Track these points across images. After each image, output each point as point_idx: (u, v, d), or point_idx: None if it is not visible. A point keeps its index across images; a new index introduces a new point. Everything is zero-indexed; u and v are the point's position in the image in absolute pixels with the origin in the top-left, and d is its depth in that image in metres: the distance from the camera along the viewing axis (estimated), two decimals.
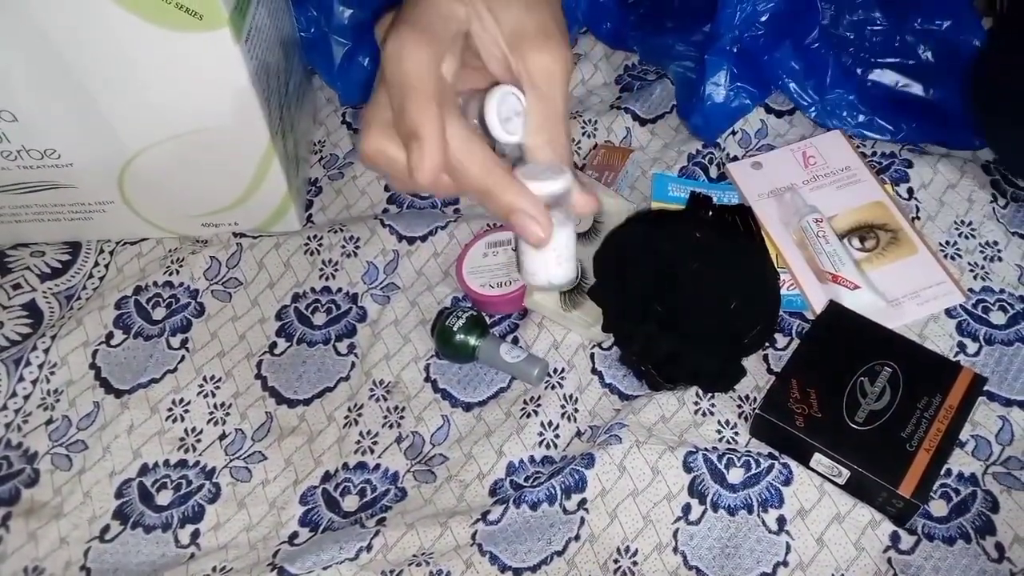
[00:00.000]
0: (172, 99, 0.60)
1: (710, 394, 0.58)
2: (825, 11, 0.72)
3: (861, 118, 0.72)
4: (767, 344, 0.61)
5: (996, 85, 0.65)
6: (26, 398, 0.63)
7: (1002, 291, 0.63)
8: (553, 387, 0.60)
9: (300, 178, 0.73)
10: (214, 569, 0.54)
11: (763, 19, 0.70)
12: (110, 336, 0.65)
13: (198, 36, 0.56)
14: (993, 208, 0.67)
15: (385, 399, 0.61)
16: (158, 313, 0.67)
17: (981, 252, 0.65)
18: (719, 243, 0.63)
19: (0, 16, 0.54)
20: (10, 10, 0.53)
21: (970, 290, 0.63)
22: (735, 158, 0.72)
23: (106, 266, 0.70)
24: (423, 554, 0.52)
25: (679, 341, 0.58)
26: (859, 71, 0.72)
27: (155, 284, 0.68)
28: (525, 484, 0.56)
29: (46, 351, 0.65)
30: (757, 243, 0.64)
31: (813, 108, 0.72)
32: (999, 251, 0.65)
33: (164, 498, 0.58)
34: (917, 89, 0.72)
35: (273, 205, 0.69)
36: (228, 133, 0.63)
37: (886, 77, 0.72)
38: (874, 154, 0.71)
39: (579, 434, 0.59)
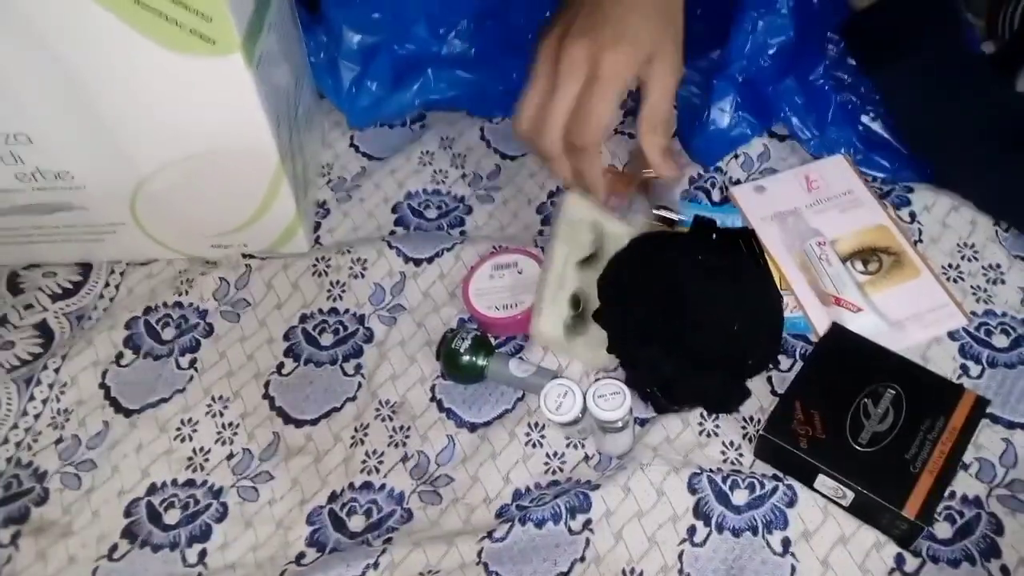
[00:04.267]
0: (184, 121, 0.61)
1: (714, 416, 0.59)
2: (831, 51, 0.74)
3: (859, 156, 0.73)
4: (771, 366, 0.61)
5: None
6: (36, 417, 0.63)
7: (1004, 314, 0.63)
8: None
9: (308, 200, 0.74)
10: None
11: (771, 51, 0.71)
12: (120, 356, 0.66)
13: (211, 60, 0.57)
14: (996, 231, 0.68)
15: (391, 419, 0.61)
16: (167, 333, 0.67)
17: (984, 275, 0.65)
18: (723, 265, 0.63)
19: (15, 40, 0.55)
20: (25, 34, 0.54)
21: (973, 313, 0.63)
22: (737, 181, 0.73)
23: (116, 287, 0.71)
24: (429, 572, 0.52)
25: (683, 363, 0.58)
26: (858, 113, 0.73)
27: (165, 305, 0.69)
28: (531, 508, 0.56)
29: (56, 371, 0.65)
30: (761, 265, 0.65)
31: (812, 142, 0.73)
32: (1002, 274, 0.65)
33: (172, 517, 0.58)
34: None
35: (282, 227, 0.70)
36: (238, 155, 0.64)
37: (877, 125, 0.72)
38: (874, 179, 0.72)
39: (587, 459, 0.59)
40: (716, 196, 0.73)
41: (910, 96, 0.69)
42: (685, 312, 0.59)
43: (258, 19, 0.61)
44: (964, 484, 0.55)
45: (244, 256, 0.71)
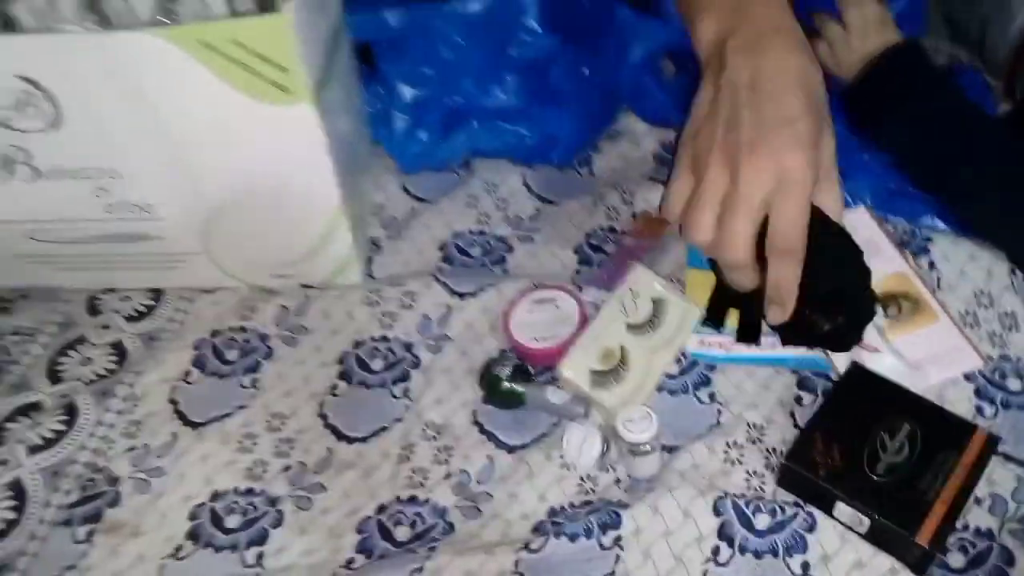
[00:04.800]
0: (256, 161, 0.68)
1: (739, 444, 0.63)
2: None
3: (880, 205, 0.77)
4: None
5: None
6: (111, 427, 0.69)
7: (1019, 359, 0.66)
8: None
9: (363, 237, 0.80)
10: None
11: None
12: (188, 374, 0.72)
13: (284, 108, 0.64)
14: (1011, 280, 0.71)
15: (435, 439, 0.66)
16: (231, 355, 0.73)
17: (999, 322, 0.69)
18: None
19: (117, 85, 0.62)
20: (125, 81, 0.62)
21: (988, 357, 0.67)
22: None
23: (185, 311, 0.77)
24: None
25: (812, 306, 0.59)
26: (876, 166, 0.77)
27: (229, 329, 0.74)
28: (564, 524, 0.60)
29: (130, 385, 0.71)
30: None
31: None
32: (1017, 321, 0.69)
33: (233, 522, 0.63)
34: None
35: (338, 261, 0.76)
36: (303, 194, 0.71)
37: (895, 177, 0.77)
38: (896, 230, 0.76)
39: (617, 482, 0.63)
40: None
41: (911, 145, 0.74)
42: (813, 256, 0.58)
43: (326, 72, 0.68)
44: (977, 517, 0.58)
45: (303, 286, 0.77)
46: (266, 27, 0.59)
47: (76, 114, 0.63)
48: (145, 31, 0.59)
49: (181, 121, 0.64)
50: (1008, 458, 0.60)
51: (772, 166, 0.52)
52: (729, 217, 0.53)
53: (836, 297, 0.59)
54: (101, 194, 0.70)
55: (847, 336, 0.60)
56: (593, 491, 0.62)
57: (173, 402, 0.70)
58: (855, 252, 0.61)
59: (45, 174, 0.68)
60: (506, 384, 0.66)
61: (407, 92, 0.85)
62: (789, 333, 0.60)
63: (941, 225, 0.76)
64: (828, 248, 0.59)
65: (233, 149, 0.67)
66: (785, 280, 0.55)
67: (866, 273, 0.61)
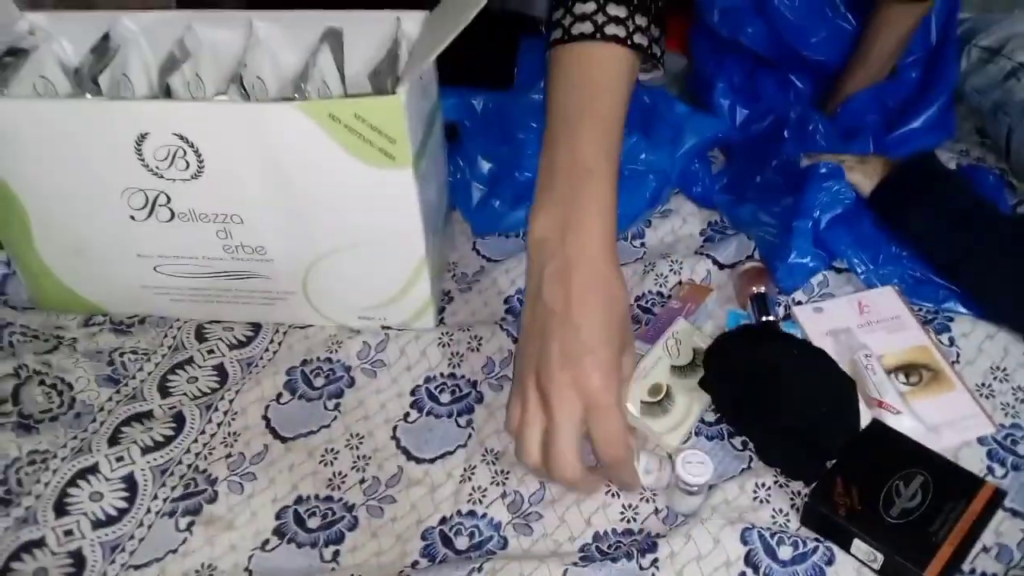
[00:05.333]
0: (359, 216, 0.79)
1: (767, 485, 0.69)
2: None
3: (907, 288, 0.85)
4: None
5: None
6: (212, 436, 0.79)
7: None
8: None
9: (438, 288, 0.90)
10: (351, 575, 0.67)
11: (831, 211, 0.87)
12: (280, 396, 0.82)
13: (388, 172, 0.75)
14: None
15: (494, 463, 0.74)
16: (318, 382, 0.83)
17: (1013, 395, 0.75)
18: (812, 362, 0.74)
19: (249, 143, 0.74)
20: (259, 139, 0.74)
21: (1001, 425, 0.73)
22: (799, 303, 0.86)
23: (280, 343, 0.88)
24: None
25: (773, 433, 0.70)
26: (904, 256, 0.86)
27: (318, 359, 0.85)
28: (608, 551, 0.67)
29: (230, 402, 0.81)
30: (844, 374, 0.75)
31: (866, 275, 0.86)
32: None
33: (313, 523, 0.71)
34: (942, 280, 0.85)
35: (417, 307, 0.86)
36: (394, 247, 0.81)
37: (921, 267, 0.86)
38: (921, 309, 0.84)
39: (656, 512, 0.70)
40: (780, 313, 0.86)
41: (930, 238, 0.82)
42: (780, 389, 0.70)
43: (423, 145, 0.80)
44: (985, 563, 0.63)
45: (383, 327, 0.87)
46: (383, 105, 0.71)
47: (215, 167, 0.76)
48: (284, 103, 0.72)
49: (303, 178, 0.76)
50: (1015, 513, 0.66)
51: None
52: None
53: (795, 429, 0.68)
54: (223, 236, 0.82)
55: (805, 469, 0.69)
56: (634, 519, 0.70)
57: (266, 419, 0.80)
58: (836, 395, 0.71)
59: (179, 216, 0.80)
60: None
61: (485, 166, 0.97)
62: (761, 453, 0.71)
63: (963, 310, 0.83)
64: (795, 387, 0.71)
65: (342, 205, 0.78)
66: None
67: (844, 414, 0.71)
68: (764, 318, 0.81)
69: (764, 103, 1.02)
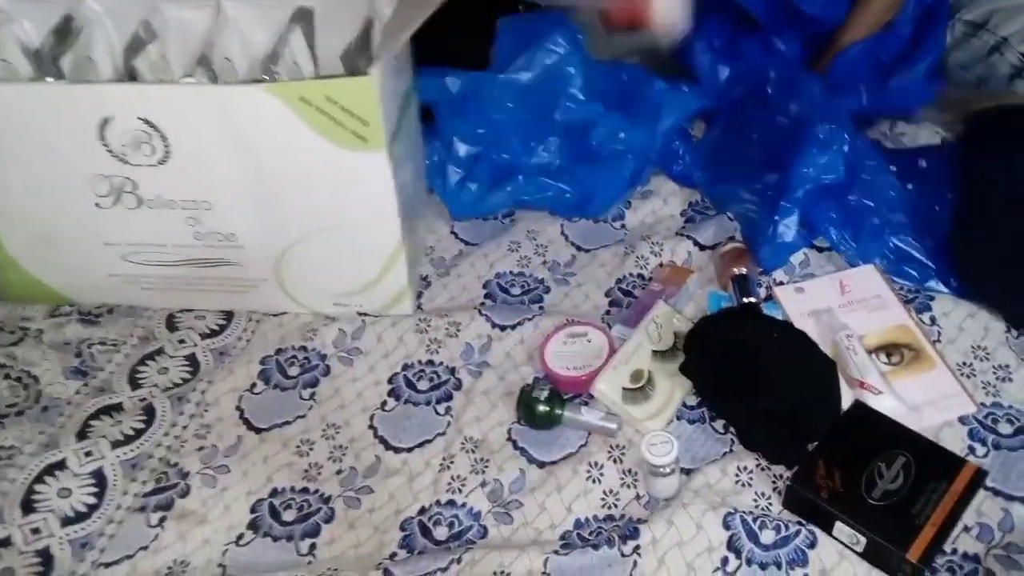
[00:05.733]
0: (332, 201, 0.77)
1: (749, 469, 0.69)
2: (866, 180, 0.87)
3: (889, 265, 0.84)
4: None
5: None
6: (184, 428, 0.77)
7: (1011, 407, 0.72)
8: (616, 460, 0.72)
9: (415, 273, 0.89)
10: (328, 569, 0.65)
11: (822, 184, 0.85)
12: (253, 386, 0.80)
13: (362, 155, 0.73)
14: (1007, 337, 0.78)
15: (473, 452, 0.73)
16: (293, 370, 0.81)
17: (994, 373, 0.75)
18: (793, 344, 0.74)
19: (218, 126, 0.72)
20: (228, 122, 0.71)
21: (982, 404, 0.73)
22: (780, 283, 0.85)
23: (253, 332, 0.86)
24: (502, 572, 0.63)
25: (755, 415, 0.69)
26: (887, 231, 0.85)
27: (293, 348, 0.83)
28: (590, 537, 0.66)
29: (202, 393, 0.80)
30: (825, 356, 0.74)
31: (849, 252, 0.86)
32: (1010, 373, 0.75)
33: (289, 516, 0.70)
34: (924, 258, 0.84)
35: (393, 292, 0.85)
36: (369, 231, 0.80)
37: (906, 245, 0.85)
38: (902, 288, 0.83)
39: (638, 498, 0.69)
40: (761, 293, 0.85)
41: None
42: (760, 372, 0.70)
43: (398, 127, 0.78)
44: (965, 543, 0.63)
45: (360, 314, 0.85)
46: (355, 87, 0.69)
47: (183, 153, 0.74)
48: (253, 85, 0.70)
49: (274, 162, 0.74)
50: (996, 492, 0.66)
51: None
52: None
53: (776, 412, 0.68)
54: (192, 223, 0.79)
55: (783, 451, 0.68)
56: (615, 506, 0.69)
57: (239, 409, 0.78)
58: (817, 377, 0.70)
59: (147, 203, 0.78)
60: (543, 406, 0.73)
61: (462, 148, 0.95)
62: (742, 436, 0.70)
63: (944, 289, 0.83)
64: (776, 370, 0.70)
65: (314, 189, 0.76)
66: None
67: (826, 397, 0.69)
68: (745, 299, 0.80)
69: (744, 62, 1.00)
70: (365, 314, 0.85)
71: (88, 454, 0.74)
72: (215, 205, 0.78)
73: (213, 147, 0.73)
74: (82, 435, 0.76)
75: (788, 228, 0.85)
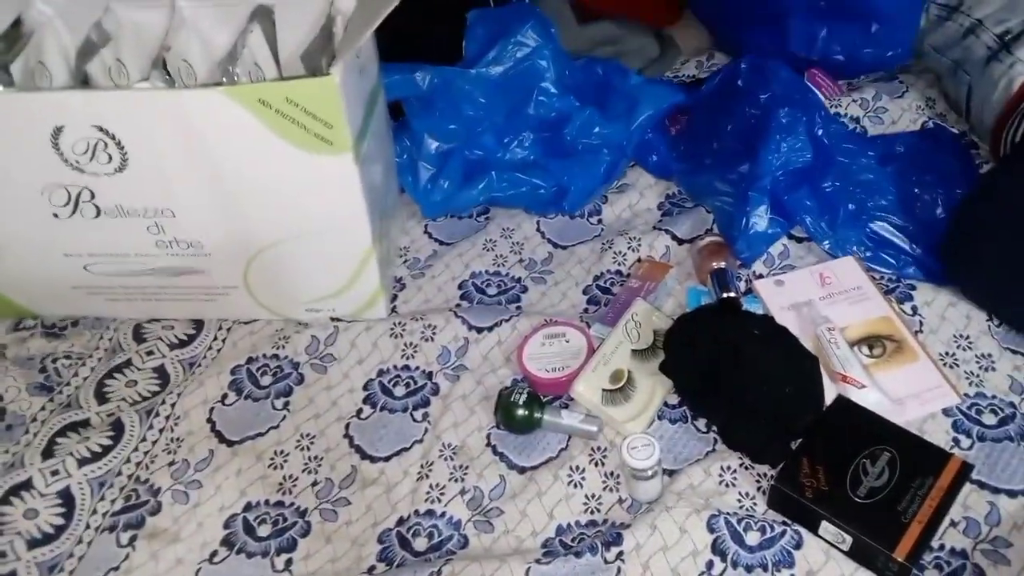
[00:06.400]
0: (299, 205, 0.75)
1: (732, 469, 0.68)
2: (841, 165, 0.86)
3: (868, 253, 0.83)
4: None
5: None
6: (153, 443, 0.75)
7: (994, 396, 0.71)
8: (597, 464, 0.70)
9: (389, 275, 0.87)
10: None
11: (790, 169, 0.84)
12: (225, 397, 0.78)
13: (327, 158, 0.71)
14: (988, 326, 0.77)
15: (452, 458, 0.71)
16: (265, 380, 0.79)
17: (977, 363, 0.74)
18: (774, 340, 0.72)
19: (178, 134, 0.69)
20: (187, 131, 0.69)
21: (965, 395, 0.72)
22: (760, 276, 0.84)
23: (223, 340, 0.84)
24: None
25: (736, 414, 0.68)
26: (864, 217, 0.84)
27: (264, 356, 0.81)
28: (572, 544, 0.65)
29: (172, 406, 0.77)
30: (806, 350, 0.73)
31: (827, 241, 0.84)
32: (993, 363, 0.74)
33: (264, 531, 0.68)
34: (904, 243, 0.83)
35: (366, 296, 0.82)
36: (339, 235, 0.77)
37: (884, 231, 0.84)
38: (882, 278, 0.82)
39: (620, 501, 0.68)
40: (741, 287, 0.83)
41: None
42: (741, 370, 0.68)
43: (364, 127, 0.76)
44: (952, 538, 0.62)
45: (332, 319, 0.83)
46: (316, 88, 0.67)
47: (141, 160, 0.71)
48: (209, 89, 0.67)
49: (235, 168, 0.71)
50: (982, 485, 0.65)
51: None
52: None
53: (758, 410, 0.67)
54: (155, 231, 0.77)
55: (767, 449, 0.67)
56: (598, 510, 0.67)
57: (211, 422, 0.76)
58: (799, 372, 0.69)
59: (106, 212, 0.75)
60: (522, 410, 0.71)
61: (432, 145, 0.93)
62: (725, 436, 0.69)
63: (923, 277, 0.82)
64: (757, 367, 0.69)
65: (279, 194, 0.74)
66: None
67: (808, 393, 0.68)
68: (725, 294, 0.79)
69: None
70: (338, 319, 0.83)
71: (55, 473, 0.72)
72: (178, 213, 0.75)
73: (172, 154, 0.70)
74: (48, 453, 0.74)
75: (760, 218, 0.83)
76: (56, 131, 0.69)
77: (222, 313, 0.85)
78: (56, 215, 0.75)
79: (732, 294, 0.79)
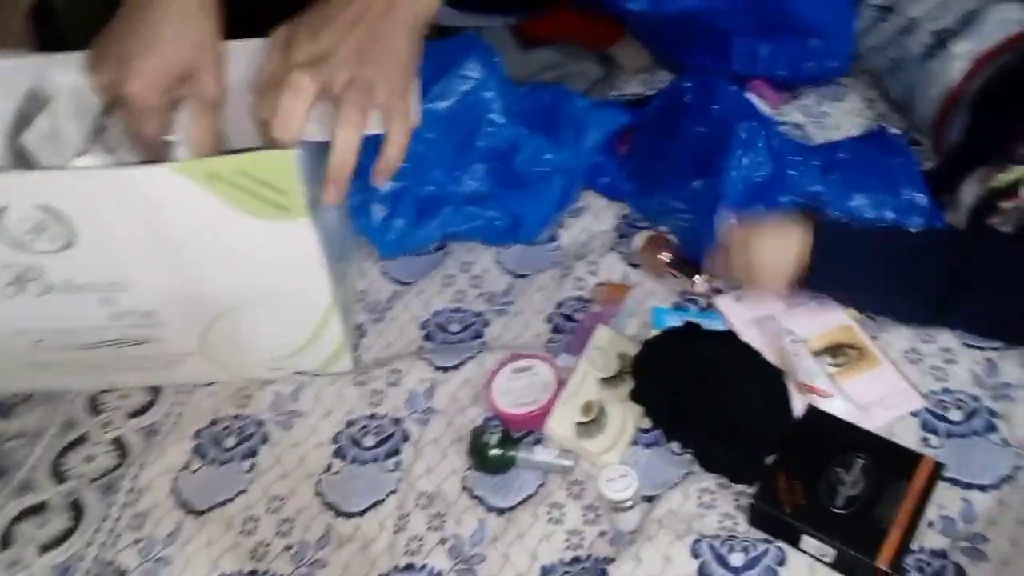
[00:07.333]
0: (256, 270, 0.73)
1: (712, 491, 0.67)
2: (791, 178, 0.87)
3: None
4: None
5: None
6: (116, 520, 0.72)
7: (959, 391, 0.72)
8: (575, 497, 0.69)
9: (350, 326, 0.85)
10: None
11: (751, 183, 0.84)
12: (188, 463, 0.76)
13: (282, 223, 0.69)
14: None
15: (428, 507, 0.70)
16: (229, 442, 0.77)
17: (940, 356, 0.75)
18: (739, 358, 0.73)
19: (124, 208, 0.67)
20: (134, 204, 0.67)
21: (931, 391, 0.73)
22: (719, 290, 0.84)
23: (184, 404, 0.81)
24: None
25: (708, 437, 0.68)
26: None
27: (227, 417, 0.79)
28: None
29: (134, 478, 0.75)
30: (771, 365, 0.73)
31: None
32: (955, 355, 0.75)
33: None
34: None
35: (329, 351, 0.80)
36: (297, 296, 0.75)
37: None
38: None
39: (602, 535, 0.67)
40: (702, 303, 0.84)
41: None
42: (709, 393, 0.68)
43: (318, 185, 0.74)
44: (931, 539, 0.63)
45: (296, 373, 0.81)
46: (272, 160, 0.65)
47: (89, 235, 0.68)
48: (157, 166, 0.66)
49: (187, 239, 0.70)
50: (954, 482, 0.66)
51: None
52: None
53: (730, 431, 0.67)
54: (107, 304, 0.74)
55: (743, 470, 0.67)
56: (580, 546, 0.67)
57: (175, 492, 0.74)
58: (767, 388, 0.70)
59: (56, 288, 0.72)
60: (495, 450, 0.70)
61: (384, 184, 0.91)
62: (701, 459, 0.69)
63: None
64: (725, 388, 0.69)
65: (235, 261, 0.72)
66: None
67: (777, 408, 0.69)
68: (697, 276, 0.81)
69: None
70: (303, 372, 0.81)
71: (14, 563, 0.69)
72: (130, 286, 0.73)
73: (121, 228, 0.68)
74: (6, 542, 0.71)
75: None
76: None
77: (181, 379, 0.82)
78: (1, 294, 0.72)
79: (699, 277, 0.82)
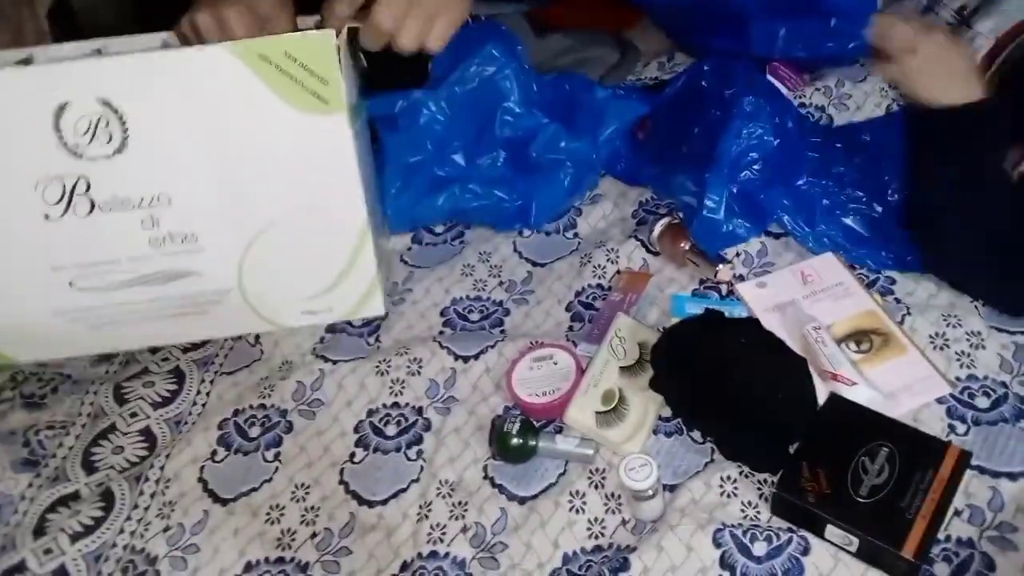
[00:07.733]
0: (293, 177, 0.75)
1: (733, 479, 0.67)
2: (813, 160, 0.86)
3: (847, 248, 0.83)
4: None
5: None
6: (146, 509, 0.73)
7: (986, 377, 0.71)
8: (597, 486, 0.69)
9: (384, 271, 0.84)
10: None
11: (757, 157, 0.83)
12: (214, 453, 0.77)
13: (322, 118, 0.73)
14: (975, 306, 0.76)
15: (451, 495, 0.70)
16: (254, 431, 0.78)
17: (967, 341, 0.74)
18: (761, 345, 0.72)
19: (180, 98, 0.71)
20: (189, 91, 0.71)
21: (956, 378, 0.72)
22: (741, 277, 0.84)
23: (208, 394, 0.82)
24: None
25: (730, 426, 0.67)
26: (838, 212, 0.84)
27: (251, 407, 0.79)
28: (580, 573, 0.64)
29: (161, 468, 0.76)
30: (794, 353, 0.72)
31: (805, 237, 0.84)
32: (983, 340, 0.74)
33: None
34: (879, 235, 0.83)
35: (363, 289, 0.81)
36: (332, 214, 0.77)
37: (859, 224, 0.84)
38: (862, 270, 0.82)
39: (624, 523, 0.67)
40: (724, 289, 0.83)
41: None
42: (732, 382, 0.68)
43: (356, 111, 0.77)
44: (958, 528, 0.62)
45: (319, 356, 0.82)
46: (313, 42, 0.71)
47: (141, 137, 0.72)
48: (215, 46, 0.71)
49: (234, 132, 0.73)
50: (982, 470, 0.65)
51: None
52: None
53: (753, 419, 0.66)
54: (149, 225, 0.76)
55: (765, 458, 0.66)
56: (602, 535, 0.67)
57: (202, 481, 0.75)
58: (790, 376, 0.69)
59: (100, 206, 0.74)
60: (516, 440, 0.70)
61: (401, 163, 0.91)
62: (723, 448, 0.68)
63: (899, 269, 0.81)
64: (748, 376, 0.68)
65: (276, 160, 0.75)
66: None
67: (801, 396, 0.68)
68: (721, 266, 0.81)
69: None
70: (325, 358, 0.82)
71: (48, 552, 0.71)
72: (175, 198, 0.75)
73: (173, 125, 0.72)
74: (39, 531, 0.72)
75: (716, 203, 0.83)
76: (59, 110, 0.70)
77: (215, 327, 0.83)
78: (48, 216, 0.74)
79: (722, 265, 0.81)
